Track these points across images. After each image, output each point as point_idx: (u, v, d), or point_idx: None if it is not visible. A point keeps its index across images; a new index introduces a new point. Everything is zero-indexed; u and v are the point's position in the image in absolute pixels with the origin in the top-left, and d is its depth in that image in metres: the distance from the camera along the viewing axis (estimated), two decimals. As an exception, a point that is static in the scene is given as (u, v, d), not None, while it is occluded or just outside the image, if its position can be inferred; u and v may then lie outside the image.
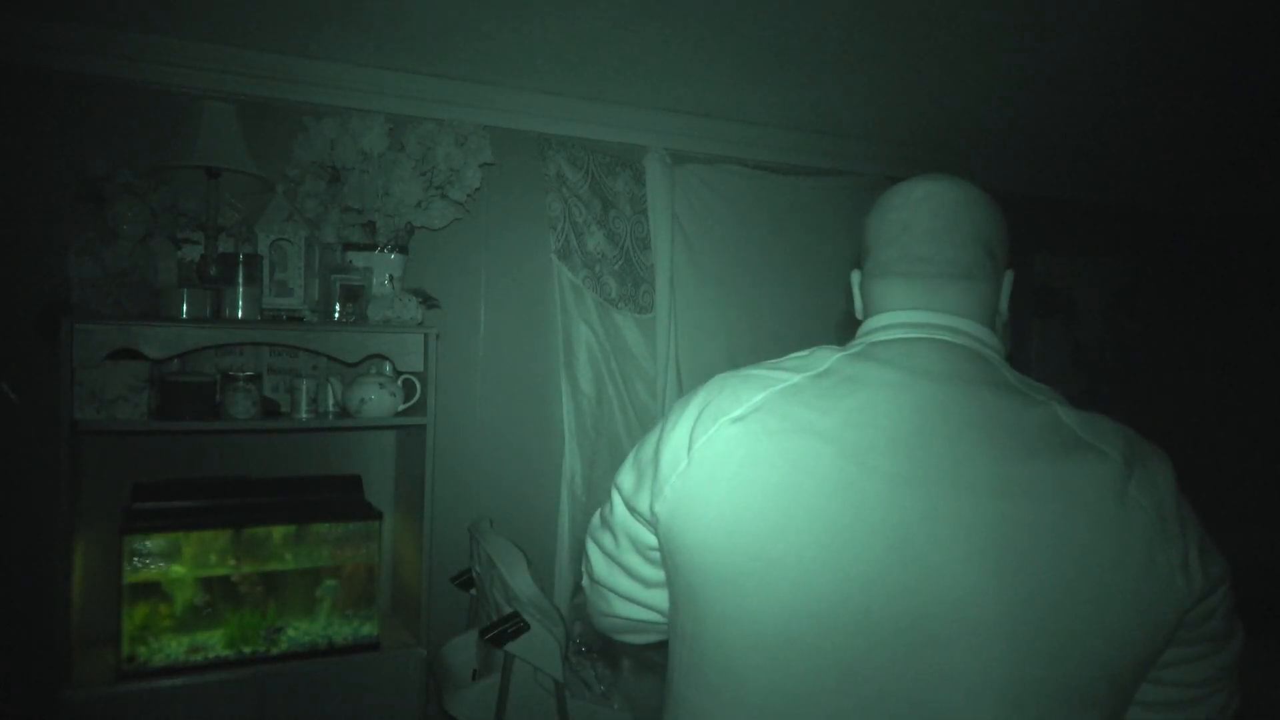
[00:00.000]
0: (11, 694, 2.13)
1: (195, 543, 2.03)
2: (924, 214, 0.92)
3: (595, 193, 2.75)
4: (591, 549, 1.02)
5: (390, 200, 2.24)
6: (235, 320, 2.09)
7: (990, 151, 3.33)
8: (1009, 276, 0.95)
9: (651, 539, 0.91)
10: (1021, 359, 3.69)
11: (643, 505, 0.89)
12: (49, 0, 2.00)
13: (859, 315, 0.98)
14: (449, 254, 2.60)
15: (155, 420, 2.02)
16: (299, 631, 2.13)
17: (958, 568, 0.74)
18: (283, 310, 2.25)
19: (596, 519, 1.01)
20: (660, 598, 0.95)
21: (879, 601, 0.75)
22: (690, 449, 0.86)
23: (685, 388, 2.85)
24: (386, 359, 2.26)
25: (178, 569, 2.02)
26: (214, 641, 2.05)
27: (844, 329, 3.12)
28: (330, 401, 2.23)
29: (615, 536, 0.96)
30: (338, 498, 2.29)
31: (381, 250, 2.30)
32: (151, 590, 1.99)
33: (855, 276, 1.00)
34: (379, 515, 2.24)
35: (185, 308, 2.03)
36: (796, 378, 0.86)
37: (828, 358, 0.88)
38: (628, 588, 0.98)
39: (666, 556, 0.89)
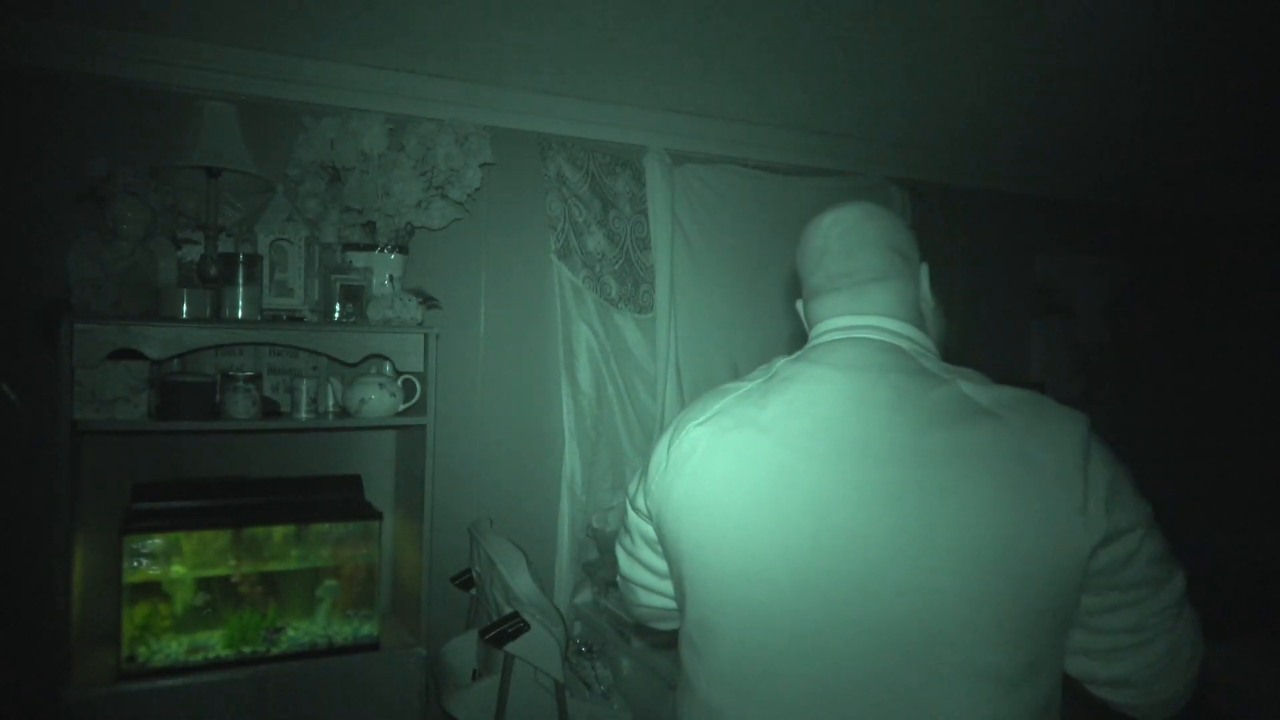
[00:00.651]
0: (11, 694, 2.13)
1: (195, 543, 2.03)
2: (834, 237, 1.08)
3: (595, 193, 2.75)
4: (618, 550, 1.21)
5: (390, 200, 2.24)
6: (235, 320, 2.09)
7: (990, 151, 3.33)
8: (924, 269, 1.10)
9: (652, 532, 1.09)
10: (1021, 359, 3.70)
11: (640, 504, 1.10)
12: (51, 1, 2.00)
13: (808, 332, 1.12)
14: (449, 254, 2.60)
15: (155, 420, 2.02)
16: (299, 631, 2.14)
17: (873, 527, 0.88)
18: (283, 310, 2.25)
19: (621, 529, 1.20)
20: (671, 586, 1.11)
21: (813, 560, 0.90)
22: (668, 452, 1.05)
23: (685, 388, 2.86)
24: (386, 359, 2.26)
25: (178, 569, 2.02)
26: (214, 641, 2.05)
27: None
28: (330, 401, 2.23)
29: (631, 536, 1.16)
30: (338, 498, 2.29)
31: (381, 250, 2.30)
32: (151, 590, 1.99)
33: (799, 304, 1.16)
34: (379, 515, 2.24)
35: (185, 308, 2.03)
36: (750, 384, 1.05)
37: (776, 364, 1.06)
38: (646, 579, 1.16)
39: (661, 544, 1.07)
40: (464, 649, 2.33)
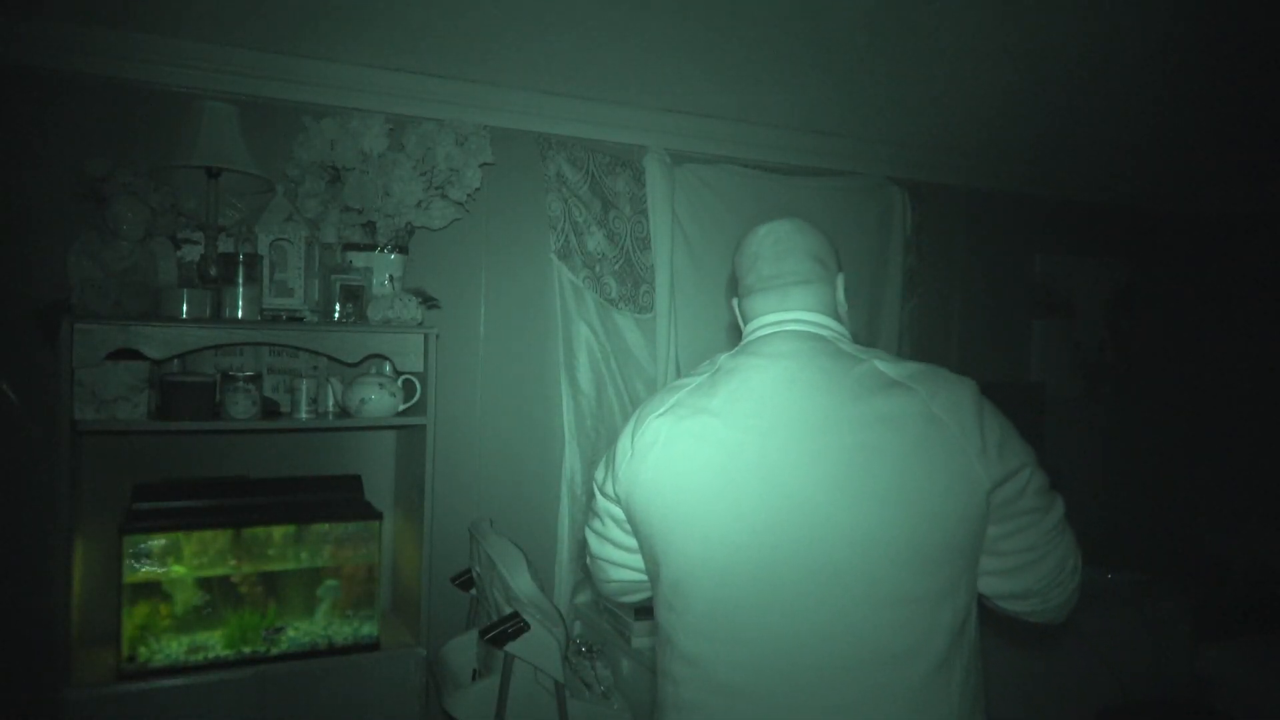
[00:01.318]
0: (11, 694, 2.13)
1: (195, 543, 2.03)
2: (768, 244, 1.27)
3: (595, 193, 2.75)
4: (588, 533, 1.35)
5: (390, 200, 2.24)
6: (235, 320, 2.09)
7: (990, 151, 3.33)
8: (840, 278, 1.28)
9: (622, 514, 1.24)
10: (1021, 359, 3.70)
11: (609, 489, 1.25)
12: (50, 0, 2.00)
13: (741, 327, 1.30)
14: (449, 254, 2.60)
15: (155, 420, 2.02)
16: (299, 632, 2.14)
17: (812, 486, 1.06)
18: (283, 310, 2.25)
19: (589, 513, 1.35)
20: (639, 560, 1.27)
21: (764, 519, 1.07)
22: (633, 442, 1.20)
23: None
24: (386, 359, 2.26)
25: (178, 569, 2.02)
26: (214, 641, 2.05)
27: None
28: (330, 401, 2.23)
29: (600, 519, 1.30)
30: (338, 498, 2.29)
31: (381, 250, 2.30)
32: (152, 590, 1.99)
33: (734, 302, 1.34)
34: (379, 515, 2.24)
35: (185, 308, 2.03)
36: (699, 379, 1.22)
37: (719, 359, 1.24)
38: (616, 555, 1.30)
39: (631, 523, 1.23)
40: (464, 649, 2.33)
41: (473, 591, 2.40)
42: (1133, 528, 3.66)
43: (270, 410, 2.19)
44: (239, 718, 2.02)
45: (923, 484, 1.03)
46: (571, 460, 2.71)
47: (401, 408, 2.25)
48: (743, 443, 1.10)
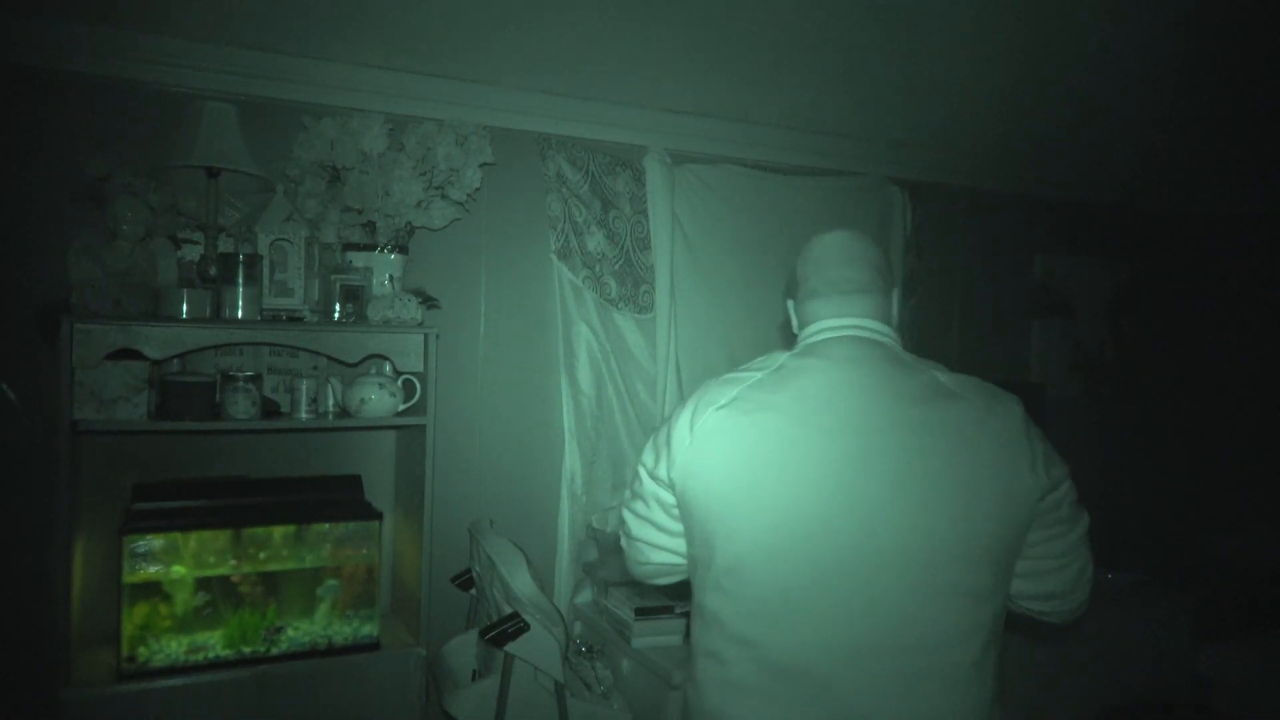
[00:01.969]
0: (11, 694, 2.13)
1: (195, 543, 2.03)
2: (833, 252, 1.34)
3: (595, 193, 2.75)
4: (627, 515, 1.40)
5: (390, 200, 2.24)
6: (235, 320, 2.09)
7: (990, 151, 3.33)
8: (896, 292, 1.36)
9: (671, 498, 1.30)
10: (1021, 359, 3.70)
11: (662, 473, 1.29)
12: (49, 0, 2.00)
13: (795, 330, 1.37)
14: (449, 254, 2.60)
15: (155, 420, 2.02)
16: (299, 632, 2.13)
17: (872, 482, 1.14)
18: (283, 310, 2.25)
19: (628, 494, 1.40)
20: (680, 544, 1.32)
21: (825, 512, 1.14)
22: (691, 431, 1.25)
23: (685, 388, 2.86)
24: (386, 359, 2.26)
25: (178, 569, 2.02)
26: (214, 642, 2.05)
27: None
28: (330, 401, 2.23)
29: (645, 502, 1.35)
30: (338, 498, 2.29)
31: (381, 250, 2.30)
32: (151, 590, 1.99)
33: (790, 304, 1.41)
34: (379, 515, 2.24)
35: (185, 308, 2.03)
36: (759, 374, 1.27)
37: (780, 358, 1.29)
38: (657, 538, 1.35)
39: (681, 507, 1.28)
40: (464, 649, 2.33)
41: (473, 591, 2.40)
42: (1132, 528, 3.66)
43: (270, 410, 2.19)
44: (239, 718, 2.01)
45: (977, 487, 1.13)
46: (571, 460, 2.72)
47: (401, 408, 2.25)
48: (808, 439, 1.17)
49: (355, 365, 2.31)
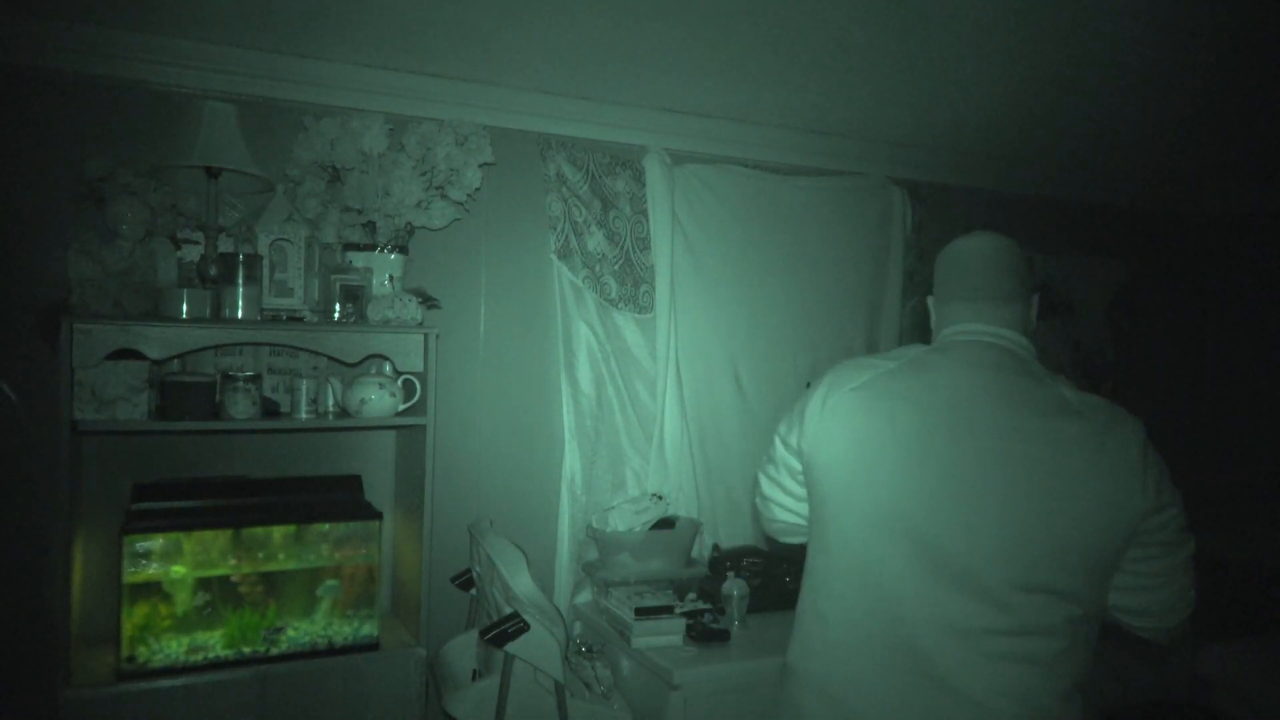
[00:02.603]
0: (11, 694, 2.13)
1: (195, 543, 2.03)
2: (975, 257, 1.39)
3: (595, 193, 2.75)
4: (761, 478, 1.54)
5: (390, 200, 2.24)
6: (235, 320, 2.09)
7: (990, 151, 3.33)
8: (1035, 297, 1.41)
9: (798, 464, 1.43)
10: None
11: (793, 441, 1.42)
12: (49, 0, 2.00)
13: (933, 326, 1.46)
14: (449, 254, 2.60)
15: (155, 420, 2.02)
16: (299, 632, 2.13)
17: (985, 481, 1.23)
18: (283, 310, 2.25)
19: (764, 458, 1.54)
20: (803, 507, 1.46)
21: (933, 500, 1.24)
22: (823, 407, 1.36)
23: (685, 388, 2.86)
24: (386, 359, 2.26)
25: (178, 569, 2.02)
26: (214, 642, 2.05)
27: (845, 329, 3.13)
28: (330, 402, 2.23)
29: (776, 466, 1.49)
30: (337, 498, 2.29)
31: (381, 250, 2.30)
32: (152, 590, 1.99)
33: (931, 300, 1.49)
34: (379, 515, 2.24)
35: (185, 308, 2.03)
36: (893, 364, 1.36)
37: (916, 351, 1.39)
38: (785, 500, 1.49)
39: (806, 474, 1.40)
40: (464, 649, 2.33)
41: (473, 591, 2.40)
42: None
43: (270, 410, 2.19)
44: (239, 718, 2.01)
45: (1082, 499, 1.20)
46: (571, 460, 2.71)
47: (401, 408, 2.25)
48: (929, 431, 1.26)
49: (355, 365, 2.31)
